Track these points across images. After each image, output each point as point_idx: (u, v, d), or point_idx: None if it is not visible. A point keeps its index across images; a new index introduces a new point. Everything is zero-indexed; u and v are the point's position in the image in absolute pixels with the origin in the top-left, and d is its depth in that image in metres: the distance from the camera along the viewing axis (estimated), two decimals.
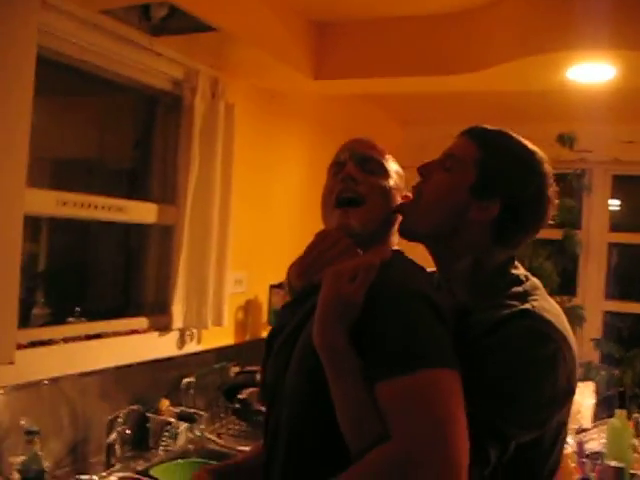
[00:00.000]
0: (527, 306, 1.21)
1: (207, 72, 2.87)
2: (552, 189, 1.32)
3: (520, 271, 1.33)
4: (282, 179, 3.61)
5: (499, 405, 1.12)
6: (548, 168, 1.33)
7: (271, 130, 3.46)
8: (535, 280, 1.33)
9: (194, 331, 2.94)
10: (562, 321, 1.25)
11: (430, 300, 1.16)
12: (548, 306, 1.25)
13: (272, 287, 3.31)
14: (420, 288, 1.19)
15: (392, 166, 1.43)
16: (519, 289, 1.27)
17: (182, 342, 2.90)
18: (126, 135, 2.99)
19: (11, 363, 1.93)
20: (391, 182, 1.40)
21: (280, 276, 1.51)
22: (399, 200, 1.40)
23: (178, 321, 2.80)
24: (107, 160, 2.97)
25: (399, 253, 1.38)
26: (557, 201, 1.34)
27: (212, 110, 2.86)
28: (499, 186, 1.29)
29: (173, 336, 2.85)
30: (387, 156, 1.44)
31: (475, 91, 3.07)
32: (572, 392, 1.24)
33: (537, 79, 2.93)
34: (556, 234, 4.04)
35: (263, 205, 3.45)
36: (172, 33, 2.56)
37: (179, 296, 2.79)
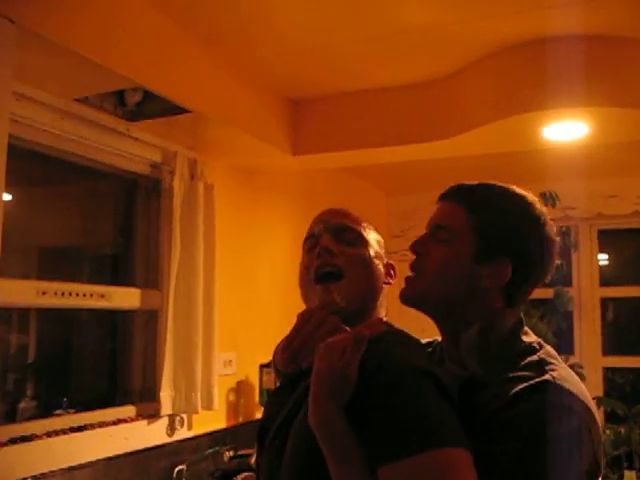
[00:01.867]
0: (546, 377, 1.13)
1: (185, 154, 2.88)
2: (552, 228, 1.28)
3: (532, 338, 1.25)
4: (267, 256, 3.58)
5: None
6: (541, 208, 1.29)
7: (253, 208, 3.45)
8: (549, 348, 1.24)
9: (184, 417, 2.87)
10: (583, 391, 1.17)
11: (431, 375, 1.10)
12: (567, 375, 1.17)
13: (262, 367, 3.23)
14: (419, 362, 1.13)
15: (370, 234, 1.37)
16: (534, 358, 1.18)
17: (172, 429, 2.82)
18: (108, 221, 2.98)
19: None
20: (371, 251, 1.34)
21: (270, 355, 1.46)
22: (382, 269, 1.35)
23: (167, 407, 2.73)
24: (90, 247, 2.96)
25: (390, 326, 1.30)
26: (558, 238, 1.31)
27: (191, 191, 2.86)
28: (504, 246, 1.23)
29: (162, 423, 2.78)
30: (364, 224, 1.38)
31: (455, 156, 3.08)
32: (599, 469, 1.14)
33: (514, 140, 2.95)
34: (547, 293, 4.01)
35: (249, 284, 3.41)
36: (148, 117, 2.58)
37: (167, 381, 2.73)
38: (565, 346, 4.34)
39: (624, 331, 4.73)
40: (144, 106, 2.54)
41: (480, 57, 2.67)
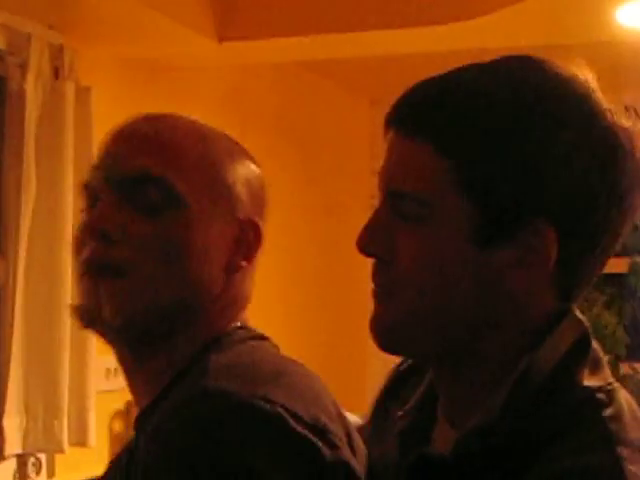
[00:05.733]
0: (622, 467, 0.98)
1: (44, 37, 2.84)
2: (633, 141, 1.05)
3: (602, 373, 1.08)
4: None
5: None
6: (602, 99, 1.05)
7: None
8: (623, 395, 1.09)
9: (42, 457, 2.88)
10: None
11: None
12: None
13: None
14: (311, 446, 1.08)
15: (208, 171, 1.23)
16: (602, 425, 1.03)
17: (23, 476, 2.83)
18: None
19: None
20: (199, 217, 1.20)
21: None
22: (221, 247, 1.22)
23: (14, 443, 2.74)
24: None
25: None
26: None
27: (55, 96, 2.84)
28: (532, 199, 1.02)
29: (8, 467, 2.79)
30: (193, 151, 1.22)
31: (472, 49, 3.03)
32: None
33: (570, 25, 2.97)
34: (618, 266, 4.00)
35: None
36: None
37: (14, 402, 2.73)
38: None
39: None
40: None
41: None
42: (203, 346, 1.19)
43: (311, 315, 4.21)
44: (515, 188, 1.01)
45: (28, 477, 2.83)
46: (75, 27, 2.90)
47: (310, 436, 1.07)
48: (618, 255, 3.49)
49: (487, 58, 1.10)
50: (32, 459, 2.84)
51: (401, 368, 1.29)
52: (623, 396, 1.06)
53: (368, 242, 1.08)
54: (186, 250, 1.18)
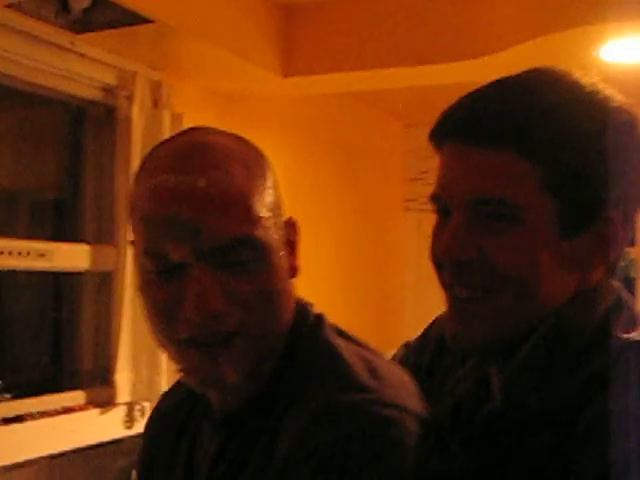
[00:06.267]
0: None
1: (146, 75, 2.89)
2: None
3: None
4: None
5: None
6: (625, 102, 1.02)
7: None
8: None
9: (146, 405, 2.90)
10: None
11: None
12: None
13: None
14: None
15: (262, 210, 0.99)
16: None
17: (131, 420, 2.87)
18: (49, 159, 2.99)
19: None
20: (274, 260, 1.01)
21: None
22: (286, 267, 1.04)
23: (124, 393, 2.78)
24: (27, 192, 2.97)
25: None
26: None
27: (155, 122, 2.87)
28: (601, 192, 0.97)
29: (119, 413, 2.83)
30: (253, 198, 0.99)
31: (482, 81, 3.06)
32: None
33: (561, 62, 2.82)
34: None
35: None
36: (98, 28, 2.57)
37: (124, 361, 2.77)
38: None
39: None
40: (93, 14, 2.52)
41: None
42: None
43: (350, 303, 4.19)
44: (594, 184, 0.95)
45: (135, 420, 2.86)
46: (170, 66, 2.95)
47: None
48: None
49: None
50: (138, 406, 2.87)
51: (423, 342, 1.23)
52: None
53: (454, 248, 0.97)
54: (276, 295, 1.01)
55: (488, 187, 0.95)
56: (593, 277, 0.99)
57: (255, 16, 3.00)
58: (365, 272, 4.43)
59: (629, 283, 4.32)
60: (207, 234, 0.94)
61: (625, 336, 0.95)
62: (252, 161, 1.04)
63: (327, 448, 0.92)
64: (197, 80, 3.16)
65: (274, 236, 1.00)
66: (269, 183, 1.03)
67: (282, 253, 1.02)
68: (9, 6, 2.38)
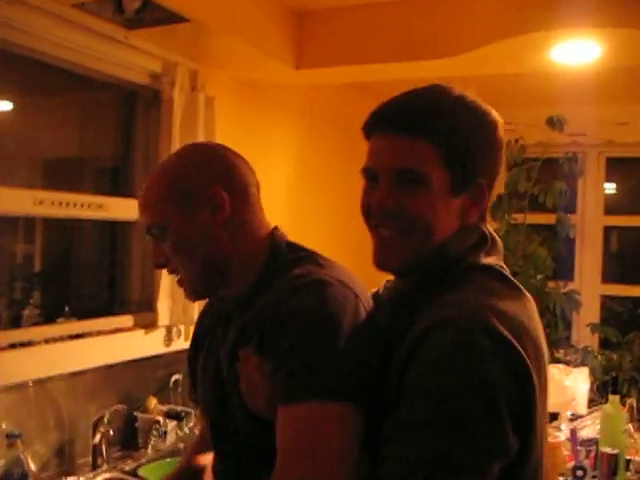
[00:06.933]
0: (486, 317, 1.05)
1: (185, 64, 2.86)
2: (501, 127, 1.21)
3: (496, 261, 1.20)
4: (268, 173, 3.58)
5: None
6: (489, 108, 1.21)
7: (255, 122, 3.44)
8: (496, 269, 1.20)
9: (181, 328, 2.93)
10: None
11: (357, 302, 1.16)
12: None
13: None
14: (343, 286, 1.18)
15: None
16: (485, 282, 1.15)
17: (169, 339, 2.88)
18: (107, 132, 2.98)
19: None
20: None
21: None
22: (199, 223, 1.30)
23: (164, 318, 2.80)
24: (89, 158, 2.97)
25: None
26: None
27: (192, 103, 2.84)
28: (477, 168, 1.16)
29: (159, 333, 2.84)
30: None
31: (461, 76, 3.04)
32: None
33: (521, 61, 2.90)
34: (549, 219, 4.03)
35: None
36: (147, 25, 2.54)
37: (164, 292, 2.78)
38: (565, 273, 4.40)
39: (626, 260, 4.77)
40: (143, 14, 2.50)
41: None
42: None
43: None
44: (474, 163, 1.15)
45: (172, 340, 2.88)
46: (205, 58, 2.93)
47: None
48: (549, 211, 3.64)
49: (469, 84, 1.22)
50: (175, 329, 2.89)
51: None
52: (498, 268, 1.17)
53: (384, 201, 1.15)
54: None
55: (405, 161, 1.12)
56: (469, 222, 1.17)
57: (274, 18, 2.97)
58: (370, 250, 4.38)
59: (570, 241, 4.34)
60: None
61: (484, 260, 1.16)
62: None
63: (295, 314, 1.12)
64: (226, 70, 3.13)
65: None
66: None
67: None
68: (75, 6, 2.37)
